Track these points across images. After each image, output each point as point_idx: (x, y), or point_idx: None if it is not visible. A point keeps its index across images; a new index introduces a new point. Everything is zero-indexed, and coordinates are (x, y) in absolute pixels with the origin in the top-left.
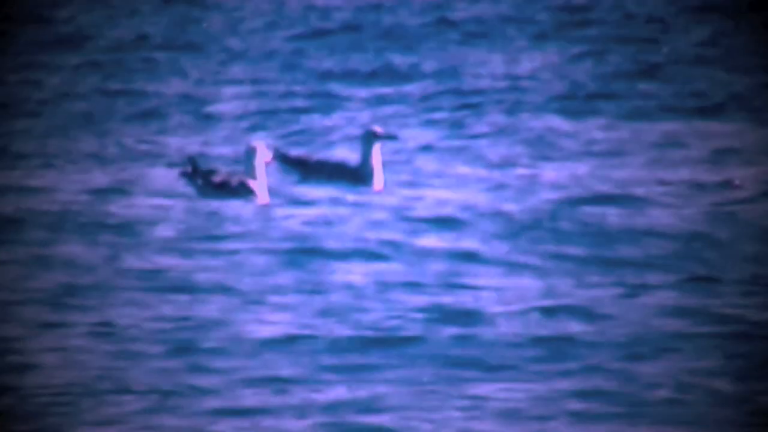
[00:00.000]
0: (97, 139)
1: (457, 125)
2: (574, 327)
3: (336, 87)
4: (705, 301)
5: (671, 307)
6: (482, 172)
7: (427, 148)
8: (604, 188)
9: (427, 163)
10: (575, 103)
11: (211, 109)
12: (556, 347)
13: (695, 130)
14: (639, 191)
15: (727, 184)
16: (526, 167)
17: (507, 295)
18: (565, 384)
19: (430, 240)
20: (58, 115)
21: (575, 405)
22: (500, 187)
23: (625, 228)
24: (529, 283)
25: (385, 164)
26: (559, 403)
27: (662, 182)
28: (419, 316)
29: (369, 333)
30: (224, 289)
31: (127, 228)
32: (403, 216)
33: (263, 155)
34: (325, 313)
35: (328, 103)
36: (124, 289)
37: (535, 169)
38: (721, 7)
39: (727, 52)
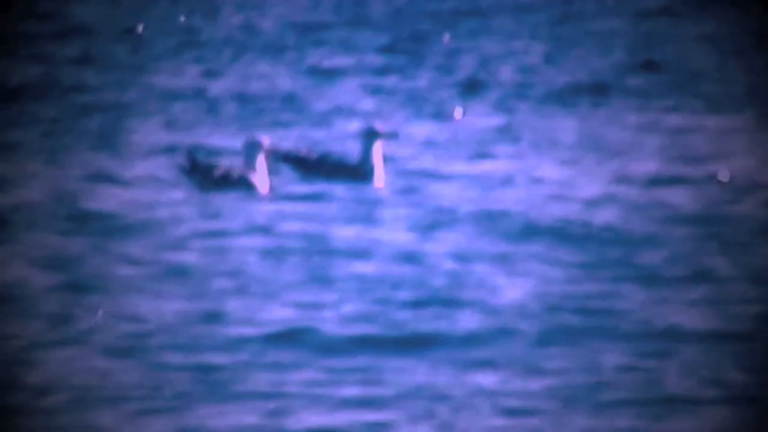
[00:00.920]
0: (95, 132)
1: (457, 120)
2: (578, 322)
3: (336, 82)
4: (708, 298)
5: (675, 303)
6: (482, 167)
7: (427, 144)
8: (605, 183)
9: (427, 159)
10: (577, 96)
11: (210, 102)
12: (561, 342)
13: (700, 124)
14: (641, 187)
15: (732, 179)
16: (527, 162)
17: (510, 292)
18: (571, 379)
19: (432, 237)
20: (54, 107)
21: (581, 400)
22: (502, 182)
23: (626, 226)
24: (530, 279)
25: (385, 160)
26: (565, 398)
27: (667, 177)
28: (420, 312)
29: (370, 330)
30: (223, 284)
31: (122, 221)
32: (403, 214)
33: (263, 149)
34: (323, 309)
35: (329, 99)
36: (122, 285)
37: (536, 164)
38: None
39: (735, 44)
